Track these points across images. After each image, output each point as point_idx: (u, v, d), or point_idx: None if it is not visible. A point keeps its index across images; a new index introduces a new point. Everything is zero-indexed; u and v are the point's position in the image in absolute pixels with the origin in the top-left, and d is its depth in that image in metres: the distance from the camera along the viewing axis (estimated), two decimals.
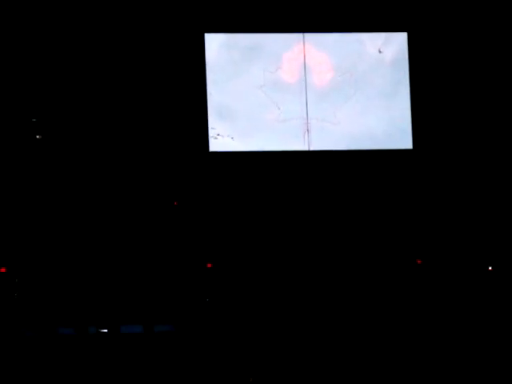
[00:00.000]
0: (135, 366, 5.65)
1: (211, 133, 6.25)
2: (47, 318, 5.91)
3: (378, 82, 6.33)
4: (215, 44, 6.27)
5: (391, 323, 6.09)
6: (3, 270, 6.00)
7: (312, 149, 6.29)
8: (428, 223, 6.32)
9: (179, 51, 6.23)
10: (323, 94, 6.30)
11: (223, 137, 6.26)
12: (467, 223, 6.33)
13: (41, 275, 5.99)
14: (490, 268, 6.26)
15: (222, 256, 6.21)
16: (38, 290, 5.98)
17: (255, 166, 6.26)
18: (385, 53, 6.33)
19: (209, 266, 6.17)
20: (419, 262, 6.29)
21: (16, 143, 6.13)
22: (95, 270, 6.04)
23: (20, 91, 6.13)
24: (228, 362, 5.77)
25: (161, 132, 6.22)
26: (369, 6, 6.25)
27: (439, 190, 6.36)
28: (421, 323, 6.08)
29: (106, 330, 5.85)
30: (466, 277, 6.26)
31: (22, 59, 6.12)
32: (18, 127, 6.14)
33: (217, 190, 6.25)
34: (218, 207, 6.24)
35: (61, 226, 6.11)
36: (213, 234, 6.21)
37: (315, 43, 6.30)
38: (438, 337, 6.00)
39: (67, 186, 6.16)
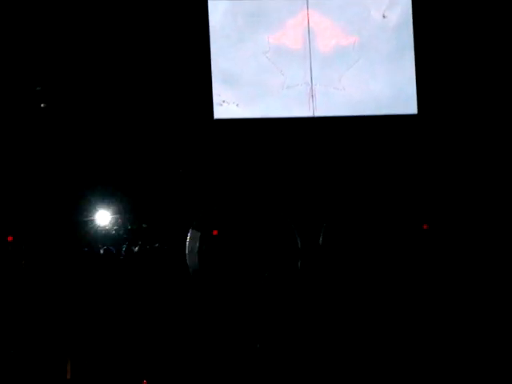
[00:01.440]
0: None
1: (216, 100, 6.23)
2: None
3: (382, 47, 6.30)
4: (219, 10, 6.24)
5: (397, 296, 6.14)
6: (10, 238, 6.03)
7: (317, 115, 6.27)
8: (433, 189, 6.32)
9: (182, 18, 6.21)
10: (328, 59, 6.28)
11: (228, 103, 6.24)
12: (473, 189, 6.33)
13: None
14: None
15: (227, 224, 6.22)
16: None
17: (260, 132, 6.26)
18: (389, 17, 6.30)
19: (215, 233, 6.19)
20: (425, 227, 6.29)
21: (20, 112, 6.12)
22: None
23: (24, 58, 6.12)
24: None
25: (165, 100, 6.20)
26: None
27: (445, 156, 6.35)
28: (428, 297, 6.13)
29: None
30: (472, 243, 6.28)
31: (25, 23, 6.10)
32: (22, 95, 6.13)
33: (222, 157, 6.25)
34: (223, 174, 6.24)
35: (65, 194, 6.12)
36: (217, 202, 6.22)
37: (319, 8, 6.27)
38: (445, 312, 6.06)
39: (71, 154, 6.16)
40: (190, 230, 6.08)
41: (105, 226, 6.09)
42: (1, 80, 6.09)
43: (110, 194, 6.15)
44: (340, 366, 6.04)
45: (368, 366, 6.05)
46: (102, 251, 6.05)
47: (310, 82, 6.26)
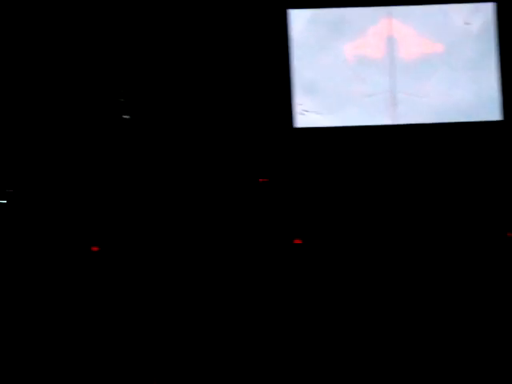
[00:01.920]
0: None
1: (298, 109, 6.24)
2: None
3: (465, 54, 6.25)
4: (300, 20, 6.25)
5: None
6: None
7: (399, 122, 6.24)
8: None
9: (264, 28, 6.24)
10: (410, 67, 6.25)
11: (310, 112, 6.24)
12: None
13: None
14: None
15: (310, 232, 6.20)
16: None
17: (342, 141, 6.24)
18: (471, 24, 6.25)
19: (297, 242, 6.17)
20: (510, 235, 6.20)
21: (103, 123, 6.19)
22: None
23: (108, 71, 6.20)
24: None
25: (246, 109, 6.23)
26: None
27: None
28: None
29: None
30: None
31: (109, 38, 6.19)
32: (106, 107, 6.20)
33: (303, 166, 6.24)
34: (305, 183, 6.23)
35: (146, 205, 6.17)
36: (300, 211, 6.20)
37: (401, 16, 6.25)
38: None
39: (154, 164, 6.21)
40: None
41: None
42: (86, 93, 6.17)
43: (190, 203, 6.18)
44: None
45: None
46: None
47: (391, 90, 6.24)
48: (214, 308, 6.01)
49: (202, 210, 6.20)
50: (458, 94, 6.26)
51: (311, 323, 6.02)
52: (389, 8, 6.23)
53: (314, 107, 6.26)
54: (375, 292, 6.07)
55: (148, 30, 6.23)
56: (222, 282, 6.06)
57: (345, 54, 6.27)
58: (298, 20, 6.26)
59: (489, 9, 6.27)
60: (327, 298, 6.08)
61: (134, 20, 6.21)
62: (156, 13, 6.23)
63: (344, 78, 6.26)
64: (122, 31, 6.19)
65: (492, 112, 6.25)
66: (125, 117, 6.22)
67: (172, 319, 6.00)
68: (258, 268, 6.10)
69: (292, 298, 6.09)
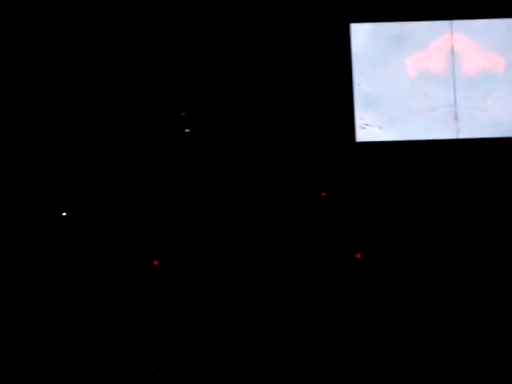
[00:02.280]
0: None
1: (359, 123, 6.24)
2: None
3: None
4: (361, 34, 6.26)
5: None
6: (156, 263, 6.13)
7: (461, 137, 6.22)
8: None
9: (325, 42, 6.25)
10: (471, 81, 6.23)
11: (371, 126, 6.24)
12: None
13: None
14: None
15: (370, 247, 6.19)
16: None
17: (403, 155, 6.23)
18: None
19: (358, 256, 6.17)
20: None
21: (165, 137, 6.22)
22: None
23: (169, 85, 6.23)
24: None
25: (308, 124, 6.23)
26: None
27: None
28: None
29: None
30: None
31: (172, 51, 6.22)
32: (168, 121, 6.23)
33: (365, 180, 6.24)
34: (366, 197, 6.23)
35: (207, 217, 6.19)
36: (361, 225, 6.20)
37: (463, 30, 6.23)
38: None
39: (215, 178, 6.23)
40: None
41: None
42: (148, 106, 6.21)
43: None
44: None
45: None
46: None
47: (453, 104, 6.22)
48: (274, 321, 6.03)
49: (264, 224, 6.21)
50: None
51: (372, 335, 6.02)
52: (451, 22, 6.21)
53: (375, 121, 6.26)
54: (443, 302, 6.06)
55: (211, 44, 6.25)
56: (283, 296, 6.07)
57: (406, 67, 6.26)
58: (360, 34, 6.26)
59: None
60: (387, 310, 6.08)
61: (196, 33, 6.24)
62: (219, 26, 6.26)
63: (405, 92, 6.25)
64: (186, 45, 6.22)
65: None
66: (186, 131, 6.24)
67: (230, 330, 6.02)
68: (319, 281, 6.11)
69: (351, 311, 6.09)
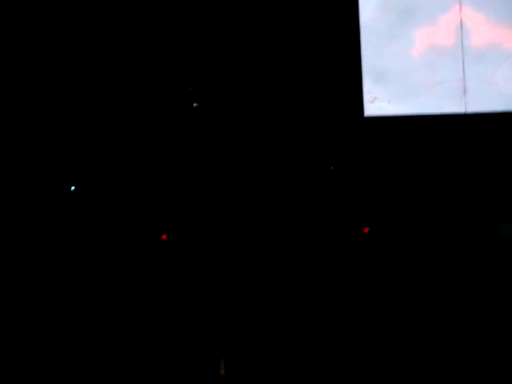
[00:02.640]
0: None
1: (367, 97, 6.21)
2: None
3: None
4: (370, 6, 6.20)
5: None
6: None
7: (469, 110, 6.20)
8: None
9: (333, 14, 6.21)
10: (480, 54, 6.19)
11: (380, 100, 6.21)
12: None
13: None
14: None
15: (379, 221, 6.21)
16: None
17: (412, 129, 6.22)
18: None
19: (366, 231, 6.19)
20: None
21: (173, 111, 6.21)
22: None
23: (177, 59, 6.20)
24: None
25: (315, 96, 6.21)
26: None
27: None
28: None
29: None
30: None
31: (179, 27, 6.18)
32: (176, 95, 6.21)
33: (373, 155, 6.24)
34: (375, 172, 6.23)
35: (215, 193, 6.19)
36: (370, 200, 6.21)
37: (472, 3, 6.18)
38: None
39: (222, 153, 6.23)
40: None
41: None
42: (156, 81, 6.18)
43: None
44: None
45: None
46: None
47: (462, 78, 6.19)
48: (287, 299, 6.05)
49: (273, 198, 6.21)
50: None
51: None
52: None
53: (383, 95, 6.23)
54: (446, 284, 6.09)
55: (216, 19, 6.21)
56: (295, 271, 6.09)
57: (415, 41, 6.21)
58: (368, 7, 6.20)
59: None
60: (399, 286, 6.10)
61: (202, 11, 6.20)
62: (224, 2, 6.21)
63: (414, 65, 6.21)
64: (192, 21, 6.18)
65: None
66: (194, 105, 6.23)
67: (241, 308, 6.05)
68: (328, 256, 6.13)
69: (365, 287, 6.11)
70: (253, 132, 6.22)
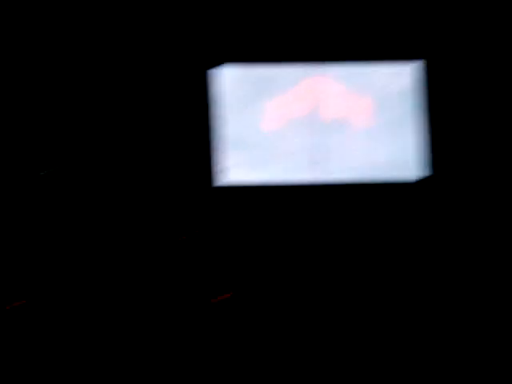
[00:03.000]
0: None
1: (222, 165, 6.20)
2: None
3: (385, 114, 6.26)
4: (230, 77, 6.22)
5: None
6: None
7: (321, 181, 6.23)
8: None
9: (184, 89, 6.20)
10: (331, 126, 6.23)
11: (234, 169, 6.22)
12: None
13: None
14: None
15: (229, 290, 6.14)
16: None
17: (264, 198, 6.21)
18: (392, 85, 6.26)
19: (215, 300, 6.10)
20: None
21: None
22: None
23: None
24: None
25: (169, 168, 6.16)
26: (378, 36, 6.21)
27: (445, 223, 6.26)
28: None
29: None
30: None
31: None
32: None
33: (224, 223, 6.19)
34: (225, 240, 6.18)
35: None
36: (220, 268, 6.16)
37: (326, 76, 6.25)
38: None
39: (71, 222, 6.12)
40: None
41: None
42: None
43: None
44: None
45: None
46: None
47: (314, 148, 6.22)
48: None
49: (121, 267, 6.12)
50: (380, 152, 6.25)
51: None
52: (313, 67, 6.22)
53: (239, 164, 6.23)
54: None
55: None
56: (138, 343, 5.99)
57: (270, 112, 6.24)
58: (228, 77, 6.22)
59: (409, 69, 6.28)
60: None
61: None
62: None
63: (268, 136, 6.23)
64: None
65: (410, 172, 6.26)
66: (42, 173, 6.14)
67: None
68: (175, 326, 6.03)
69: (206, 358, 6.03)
70: (103, 201, 6.14)
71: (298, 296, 6.13)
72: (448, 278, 6.21)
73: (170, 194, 6.16)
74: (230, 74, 6.23)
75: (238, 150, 6.22)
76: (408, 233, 6.23)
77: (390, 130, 6.25)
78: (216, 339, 6.03)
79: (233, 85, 6.23)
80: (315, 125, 6.23)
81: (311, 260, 6.18)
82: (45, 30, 6.05)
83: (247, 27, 6.22)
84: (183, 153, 6.17)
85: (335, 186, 6.21)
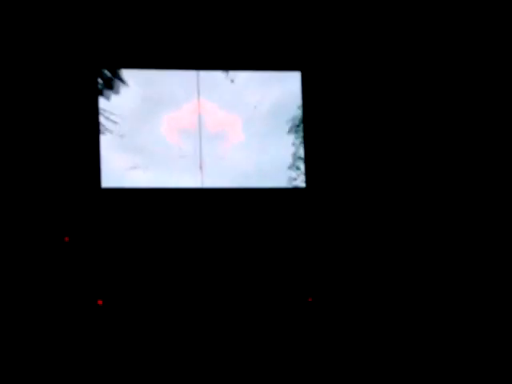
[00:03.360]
0: None
1: (106, 168, 6.37)
2: None
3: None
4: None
5: None
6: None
7: (205, 185, 6.47)
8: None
9: (73, 88, 6.33)
10: (216, 136, 6.53)
11: (120, 172, 6.39)
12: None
13: None
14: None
15: (113, 293, 6.24)
16: None
17: (150, 201, 6.37)
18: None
19: (99, 302, 6.20)
20: (310, 299, 6.46)
21: None
22: None
23: None
24: None
25: (57, 170, 6.24)
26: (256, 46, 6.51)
27: (331, 229, 6.56)
28: None
29: None
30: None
31: None
32: None
33: (110, 227, 6.31)
34: (111, 244, 6.30)
35: None
36: (104, 272, 6.25)
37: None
38: None
39: None
40: None
41: None
42: None
43: None
44: None
45: None
46: None
47: (199, 155, 6.47)
48: None
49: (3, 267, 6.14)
50: (256, 160, 6.56)
51: None
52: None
53: (124, 167, 6.42)
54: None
55: None
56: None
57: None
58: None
59: (290, 79, 6.59)
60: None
61: None
62: None
63: (162, 143, 6.49)
64: None
65: (284, 180, 6.58)
66: None
67: None
68: (58, 328, 6.09)
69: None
70: None
71: (177, 299, 6.29)
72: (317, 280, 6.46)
73: (56, 194, 6.25)
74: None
75: (126, 153, 6.44)
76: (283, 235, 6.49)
77: (263, 141, 6.58)
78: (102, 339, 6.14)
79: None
80: (202, 135, 6.52)
81: (197, 260, 6.36)
82: None
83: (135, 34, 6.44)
84: (72, 153, 6.29)
85: (216, 190, 6.46)
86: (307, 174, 6.62)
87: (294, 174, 6.60)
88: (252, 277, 6.41)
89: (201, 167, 6.48)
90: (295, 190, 6.59)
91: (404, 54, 6.80)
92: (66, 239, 6.22)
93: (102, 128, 6.37)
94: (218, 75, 6.61)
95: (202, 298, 6.32)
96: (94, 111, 6.39)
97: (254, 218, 6.48)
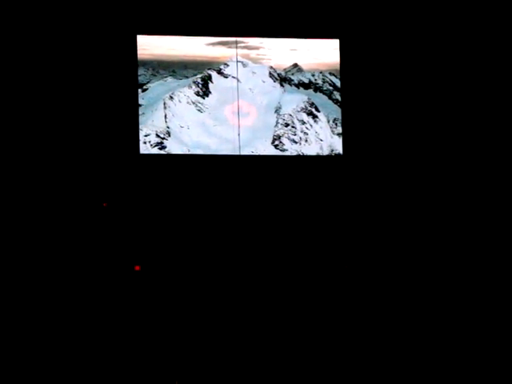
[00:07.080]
0: None
1: (142, 135, 6.36)
2: None
3: None
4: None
5: None
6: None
7: (243, 153, 6.47)
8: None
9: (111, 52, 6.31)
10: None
11: (155, 138, 6.38)
12: None
13: None
14: None
15: (151, 259, 6.24)
16: None
17: (185, 168, 6.38)
18: None
19: (137, 268, 6.18)
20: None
21: None
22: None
23: None
24: None
25: (91, 134, 6.22)
26: None
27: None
28: None
29: None
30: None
31: None
32: None
33: (147, 192, 6.30)
34: (151, 209, 6.29)
35: None
36: (142, 236, 6.25)
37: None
38: None
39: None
40: None
41: None
42: None
43: None
44: None
45: None
46: None
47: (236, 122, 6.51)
48: None
49: (47, 232, 6.13)
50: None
51: None
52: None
53: (160, 134, 6.40)
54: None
55: None
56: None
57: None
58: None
59: None
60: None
61: None
62: None
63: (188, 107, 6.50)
64: None
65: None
66: None
67: None
68: (99, 293, 6.09)
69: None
70: (29, 167, 6.13)
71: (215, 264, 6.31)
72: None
73: (94, 161, 6.24)
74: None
75: (159, 120, 6.44)
76: None
77: None
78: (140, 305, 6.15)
79: None
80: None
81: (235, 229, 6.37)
82: None
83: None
84: (109, 121, 6.27)
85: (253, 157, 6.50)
86: (344, 141, 6.61)
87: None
88: (292, 243, 6.41)
89: (239, 133, 6.48)
90: (333, 156, 6.60)
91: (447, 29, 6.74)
92: (105, 204, 6.20)
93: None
94: None
95: (243, 262, 6.30)
96: (133, 75, 6.37)
97: (293, 185, 6.48)
